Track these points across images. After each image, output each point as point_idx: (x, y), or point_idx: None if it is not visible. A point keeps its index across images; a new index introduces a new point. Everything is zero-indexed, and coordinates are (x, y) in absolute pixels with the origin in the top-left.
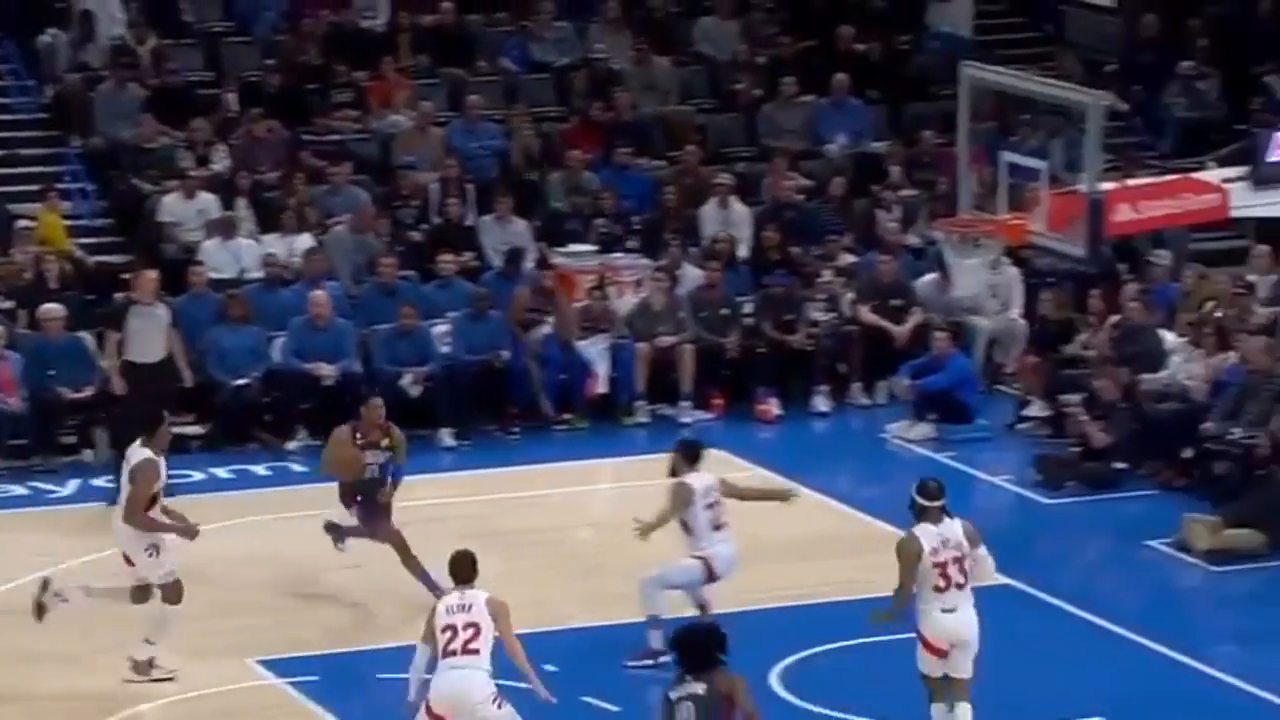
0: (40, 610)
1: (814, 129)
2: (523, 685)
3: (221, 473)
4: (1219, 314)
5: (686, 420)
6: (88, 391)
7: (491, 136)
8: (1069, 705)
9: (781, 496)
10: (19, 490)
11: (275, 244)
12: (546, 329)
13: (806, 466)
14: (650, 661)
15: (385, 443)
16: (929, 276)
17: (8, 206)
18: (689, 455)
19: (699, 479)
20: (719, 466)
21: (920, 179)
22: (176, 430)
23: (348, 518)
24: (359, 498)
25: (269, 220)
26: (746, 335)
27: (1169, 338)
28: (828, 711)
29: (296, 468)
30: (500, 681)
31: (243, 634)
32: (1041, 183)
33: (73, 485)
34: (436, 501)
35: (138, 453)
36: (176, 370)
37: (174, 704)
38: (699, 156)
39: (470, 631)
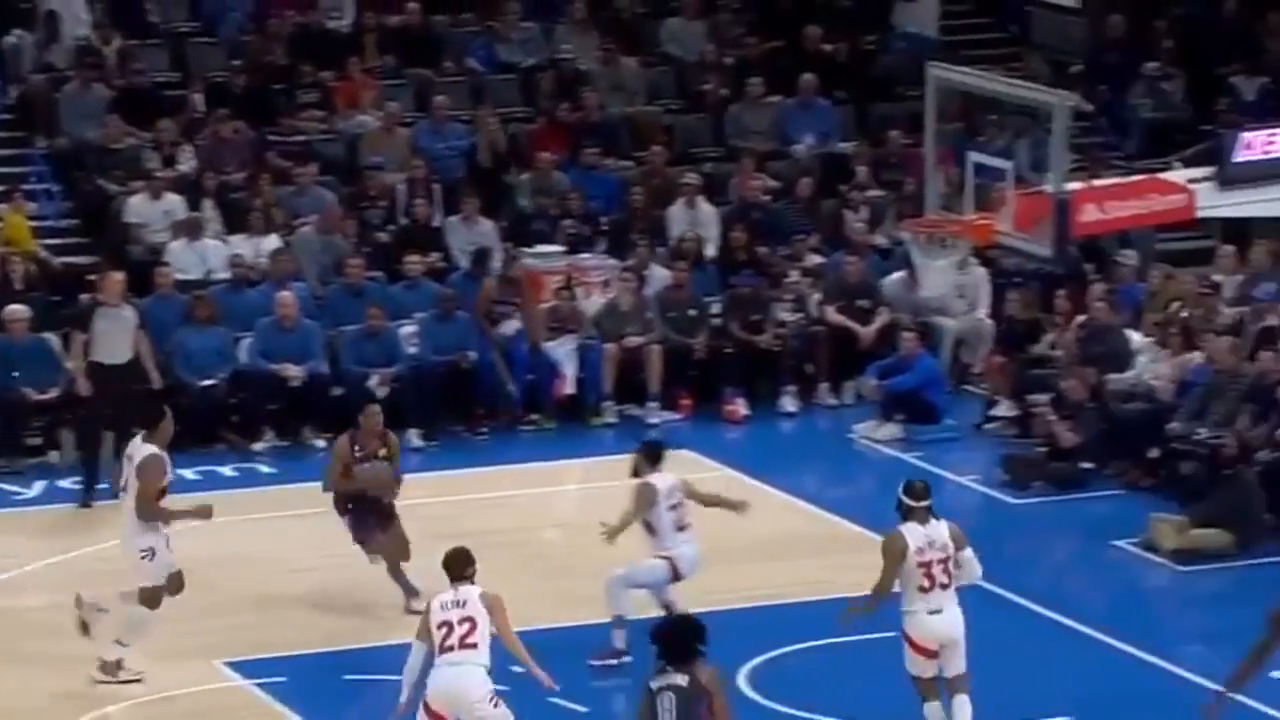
0: (85, 628)
1: (781, 129)
2: (517, 668)
3: (188, 474)
4: (1185, 314)
5: (654, 421)
6: (53, 393)
7: (458, 137)
8: (1036, 705)
9: (736, 508)
10: None
11: (242, 245)
12: (514, 324)
13: (774, 467)
14: (614, 661)
15: (383, 452)
16: (896, 275)
17: None
18: (651, 456)
19: (662, 479)
20: (687, 467)
21: (887, 179)
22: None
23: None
24: (349, 505)
25: (235, 221)
26: (714, 335)
27: (1135, 338)
28: (796, 712)
29: (263, 469)
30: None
31: (210, 635)
32: (1008, 183)
33: (39, 487)
34: (404, 502)
35: (142, 448)
36: (144, 372)
37: (141, 705)
38: (666, 157)
39: (466, 626)
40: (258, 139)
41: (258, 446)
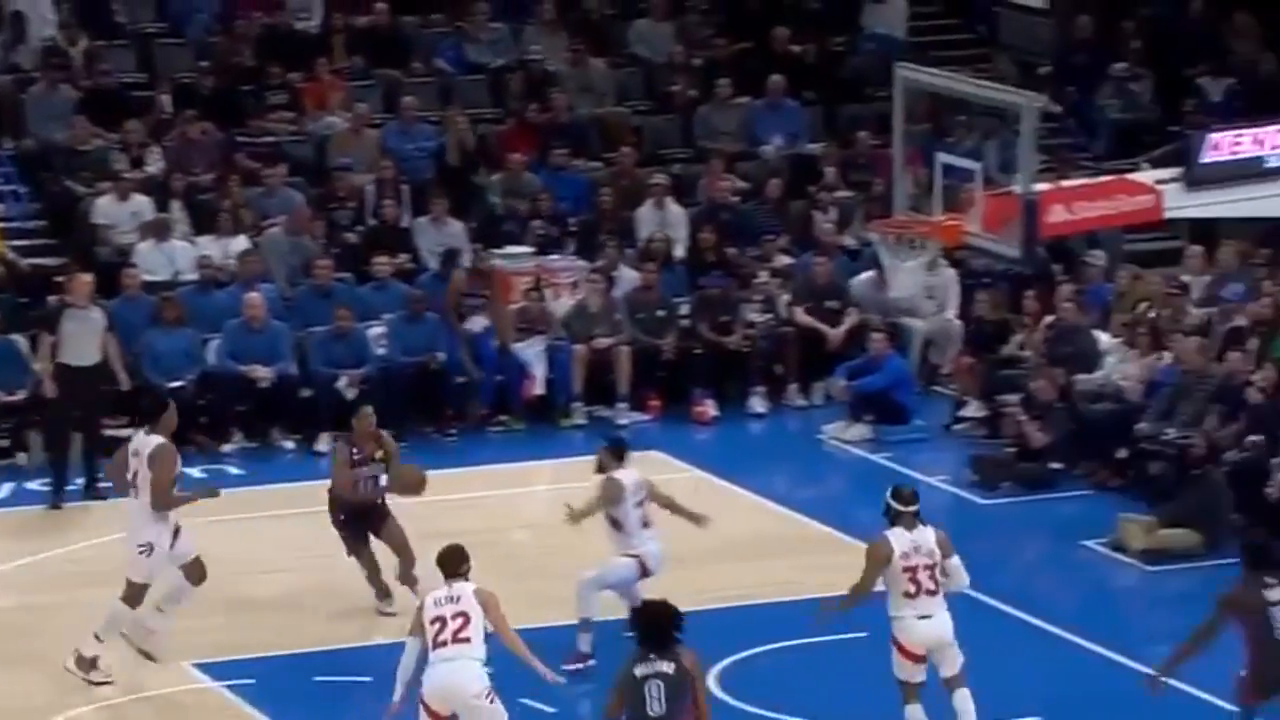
0: (149, 656)
1: (749, 130)
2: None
3: None
4: (1153, 314)
5: (623, 422)
6: (20, 395)
7: (427, 138)
8: (1005, 706)
9: (696, 521)
10: None
11: (210, 246)
12: (482, 321)
13: (743, 468)
14: (580, 665)
15: (379, 455)
16: (865, 276)
17: None
18: (616, 452)
19: (628, 476)
20: (656, 468)
21: (856, 180)
22: (110, 433)
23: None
24: (342, 517)
25: (203, 222)
26: (683, 337)
27: (1103, 338)
28: (766, 713)
29: (232, 470)
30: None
31: (179, 637)
32: (976, 184)
33: (7, 489)
34: None
35: (149, 440)
36: (112, 373)
37: (111, 707)
38: (635, 158)
39: (459, 621)
40: (226, 140)
41: (226, 448)
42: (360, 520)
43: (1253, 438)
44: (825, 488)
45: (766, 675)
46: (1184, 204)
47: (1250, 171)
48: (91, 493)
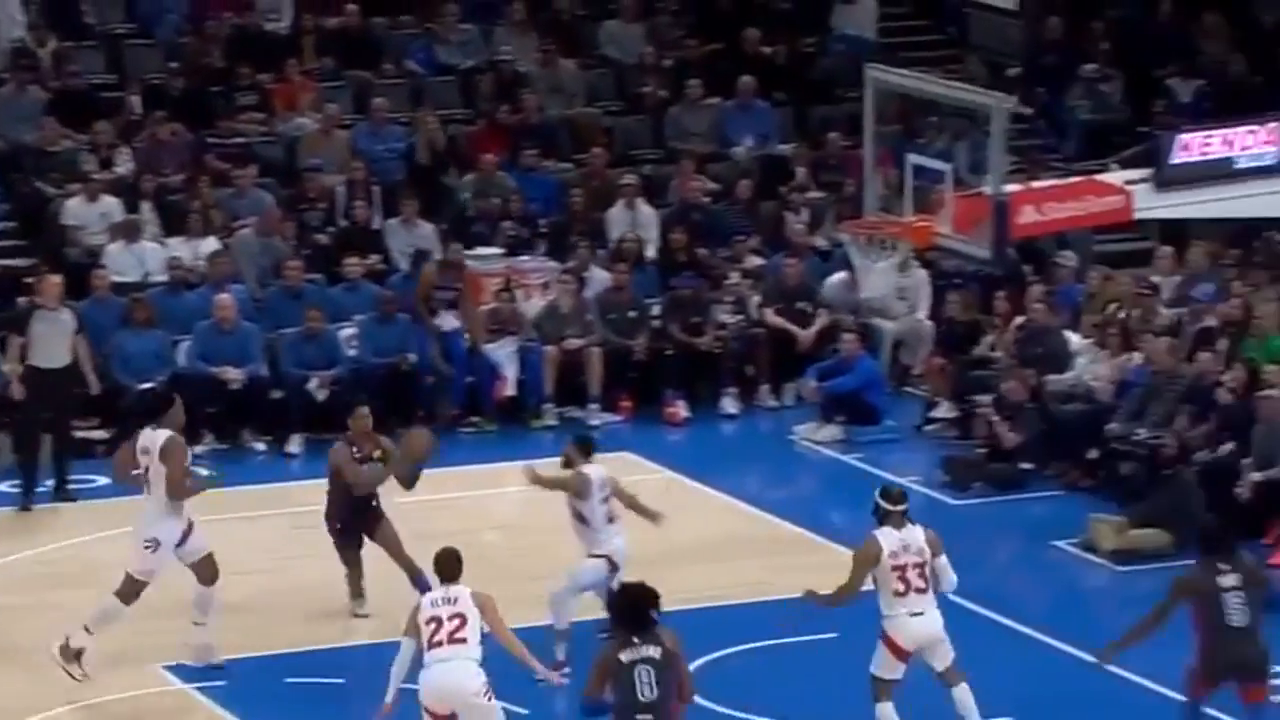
0: (219, 667)
1: (720, 131)
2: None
3: None
4: (1123, 315)
5: (595, 423)
6: None
7: (397, 139)
8: (977, 706)
9: (652, 518)
10: None
11: (180, 247)
12: (453, 320)
13: (715, 468)
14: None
15: (378, 454)
16: (838, 276)
17: None
18: (583, 449)
19: (595, 471)
20: (628, 469)
21: (827, 181)
22: (81, 435)
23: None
24: (339, 525)
25: (174, 223)
26: (654, 337)
27: (1074, 339)
28: (737, 713)
29: (203, 471)
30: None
31: (150, 638)
32: (947, 185)
33: None
34: None
35: (158, 435)
36: (82, 376)
37: (82, 709)
38: (606, 159)
39: (456, 622)
40: (196, 141)
41: (197, 449)
42: (356, 525)
43: (1227, 447)
44: (797, 488)
45: (738, 676)
46: (1154, 205)
47: (1220, 172)
48: (61, 495)
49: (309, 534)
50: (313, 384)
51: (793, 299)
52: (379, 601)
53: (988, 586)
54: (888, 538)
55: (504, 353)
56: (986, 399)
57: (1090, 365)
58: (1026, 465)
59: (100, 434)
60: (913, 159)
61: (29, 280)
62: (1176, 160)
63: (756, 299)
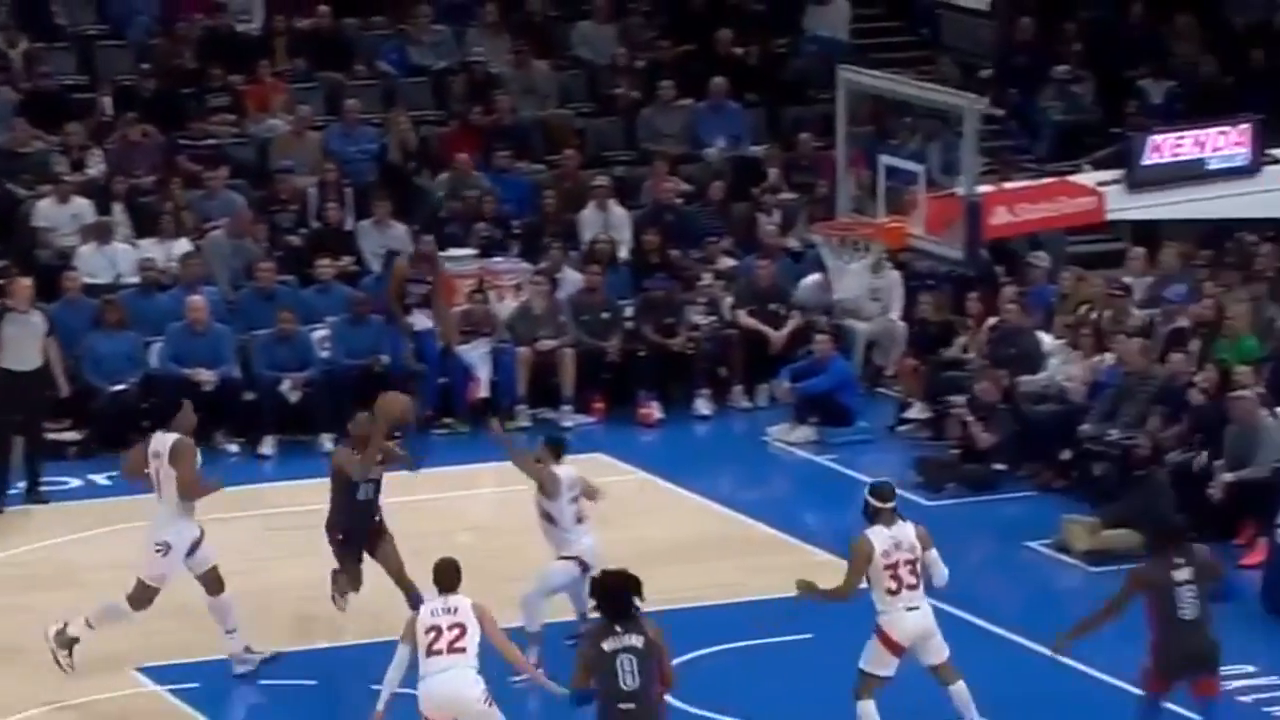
0: (266, 660)
1: (693, 132)
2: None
3: (99, 479)
4: (1096, 316)
5: (568, 424)
6: None
7: (370, 140)
8: (951, 706)
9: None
10: None
11: (152, 249)
12: (425, 320)
13: (688, 469)
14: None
15: (379, 457)
16: (812, 278)
17: None
18: (555, 450)
19: (565, 471)
20: (601, 470)
21: (799, 182)
22: (53, 437)
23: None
24: (340, 536)
25: (145, 225)
26: (627, 339)
27: (1047, 340)
28: (711, 714)
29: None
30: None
31: (123, 641)
32: (919, 186)
33: None
34: (317, 507)
35: (167, 438)
36: (52, 378)
37: (56, 711)
38: (578, 160)
39: (456, 632)
40: (167, 143)
41: None
42: (357, 538)
43: (1200, 454)
44: (770, 489)
45: (712, 677)
46: (1126, 206)
47: (1191, 173)
48: (33, 497)
49: (282, 535)
50: (285, 386)
51: (765, 300)
52: (357, 602)
53: (961, 587)
54: (879, 536)
55: (477, 354)
56: (959, 400)
57: (1063, 366)
58: (999, 466)
59: (71, 436)
60: (885, 160)
61: (0, 283)
62: (1148, 161)
63: (729, 300)
